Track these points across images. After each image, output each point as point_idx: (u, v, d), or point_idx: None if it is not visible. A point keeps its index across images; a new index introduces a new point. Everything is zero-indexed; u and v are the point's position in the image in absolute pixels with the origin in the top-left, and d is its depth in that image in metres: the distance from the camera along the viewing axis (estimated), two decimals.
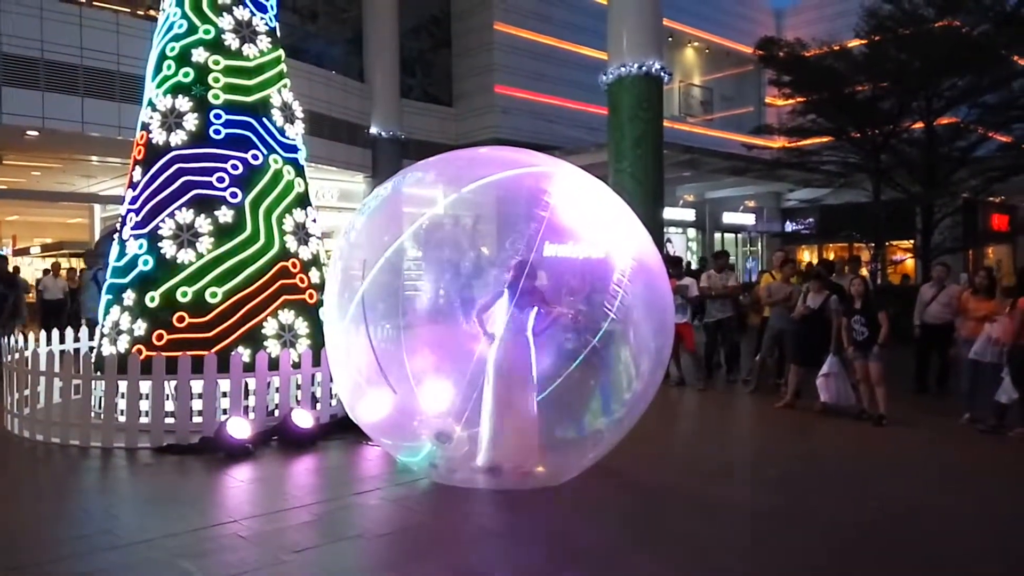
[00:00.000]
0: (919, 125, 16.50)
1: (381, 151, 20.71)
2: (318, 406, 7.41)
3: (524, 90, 22.88)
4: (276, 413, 7.18)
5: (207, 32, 7.66)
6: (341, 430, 7.08)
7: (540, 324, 5.61)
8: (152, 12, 15.30)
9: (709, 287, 10.58)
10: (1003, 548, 4.65)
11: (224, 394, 6.97)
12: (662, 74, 13.43)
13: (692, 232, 26.18)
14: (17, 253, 26.68)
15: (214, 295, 7.24)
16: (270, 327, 7.41)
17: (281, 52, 8.26)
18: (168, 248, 7.30)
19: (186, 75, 7.59)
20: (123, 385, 6.85)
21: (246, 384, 7.06)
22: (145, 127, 7.78)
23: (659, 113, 13.67)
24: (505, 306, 5.53)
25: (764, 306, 10.33)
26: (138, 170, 7.74)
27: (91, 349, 8.08)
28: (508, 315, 5.51)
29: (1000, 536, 4.84)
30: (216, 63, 7.63)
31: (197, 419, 6.86)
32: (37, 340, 7.88)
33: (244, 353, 7.07)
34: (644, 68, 13.12)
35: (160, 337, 7.16)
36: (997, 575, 4.30)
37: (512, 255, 5.50)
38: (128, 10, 16.05)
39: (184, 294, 7.22)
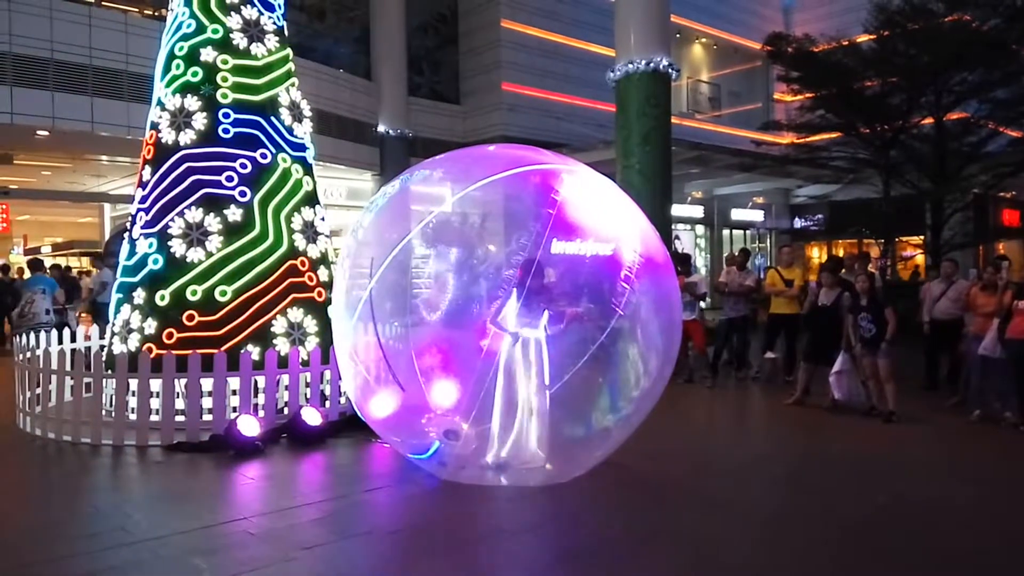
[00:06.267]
0: (928, 120, 16.40)
1: (389, 149, 20.72)
2: (327, 404, 7.44)
3: (531, 87, 22.84)
4: (285, 411, 7.22)
5: (215, 31, 7.69)
6: (350, 428, 7.11)
7: (552, 323, 5.62)
8: (161, 11, 15.36)
9: (726, 283, 10.58)
10: (1014, 544, 4.63)
11: (234, 392, 7.01)
12: (670, 70, 13.38)
13: (700, 229, 26.08)
14: (28, 252, 26.85)
15: (223, 293, 7.28)
16: (279, 325, 7.44)
17: (289, 51, 8.28)
18: (178, 247, 7.34)
19: (195, 74, 7.62)
20: (134, 383, 6.89)
21: (255, 382, 7.09)
22: (154, 126, 7.82)
23: (667, 110, 13.61)
24: (515, 306, 5.54)
25: (769, 301, 10.37)
26: (147, 169, 7.78)
27: (102, 348, 8.13)
28: (517, 314, 5.52)
29: (1010, 532, 4.82)
30: (224, 62, 7.66)
31: (207, 417, 6.90)
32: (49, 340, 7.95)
33: (253, 351, 7.11)
34: (652, 64, 13.06)
35: (170, 335, 7.20)
36: (1007, 569, 4.29)
37: (519, 253, 5.50)
38: (137, 10, 16.14)
39: (194, 292, 7.25)
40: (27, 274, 12.78)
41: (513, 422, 5.59)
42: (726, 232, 26.47)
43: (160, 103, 7.83)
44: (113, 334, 7.72)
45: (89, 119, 14.35)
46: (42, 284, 11.33)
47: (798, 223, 26.75)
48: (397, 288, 5.84)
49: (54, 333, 8.17)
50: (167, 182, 7.53)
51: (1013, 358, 7.50)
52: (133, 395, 6.91)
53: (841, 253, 21.65)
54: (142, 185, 7.81)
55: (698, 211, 25.18)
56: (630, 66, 13.09)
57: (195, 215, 7.37)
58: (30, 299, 11.11)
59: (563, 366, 5.70)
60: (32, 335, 7.80)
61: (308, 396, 7.38)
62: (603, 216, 5.63)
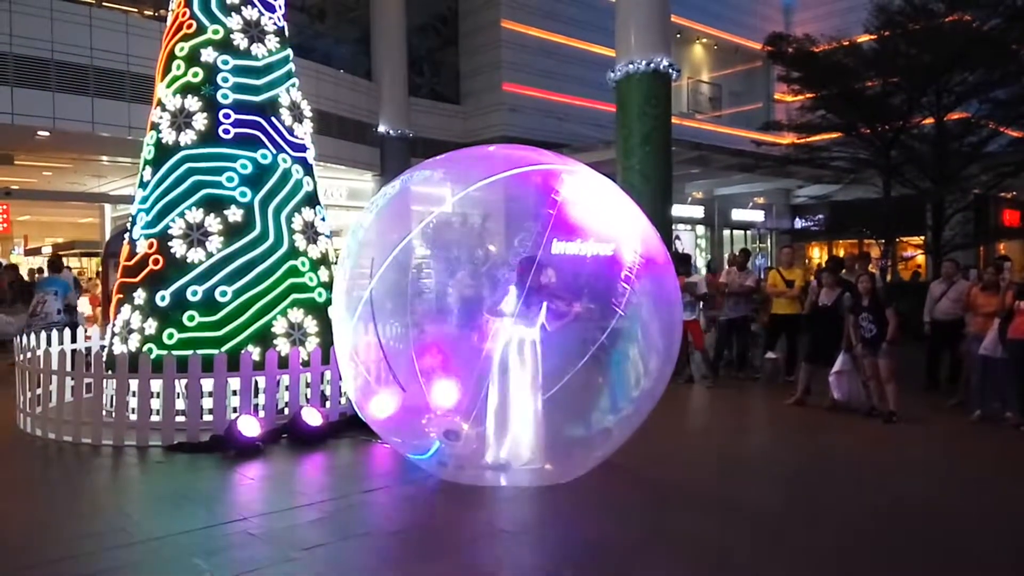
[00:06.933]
0: (929, 121, 16.40)
1: (389, 149, 20.73)
2: (327, 404, 7.44)
3: (532, 88, 22.86)
4: (286, 411, 7.22)
5: (216, 32, 7.70)
6: (350, 428, 7.11)
7: (550, 321, 5.62)
8: (162, 12, 15.38)
9: (727, 284, 10.58)
10: (1014, 544, 4.62)
11: (234, 392, 7.01)
12: (670, 71, 13.36)
13: (701, 229, 26.11)
14: (28, 253, 26.87)
15: (224, 294, 7.28)
16: (279, 325, 7.44)
17: (289, 51, 8.29)
18: (178, 247, 7.34)
19: (195, 75, 7.62)
20: (134, 383, 6.89)
21: (256, 382, 7.10)
22: (155, 127, 7.82)
23: (667, 110, 13.60)
24: (513, 303, 5.54)
25: (771, 301, 10.37)
26: (148, 170, 7.78)
27: (102, 348, 8.13)
28: (514, 312, 5.52)
29: (1011, 532, 4.81)
30: (225, 63, 7.66)
31: (208, 417, 6.91)
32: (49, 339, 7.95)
33: (254, 352, 7.11)
34: (652, 65, 13.05)
35: (170, 336, 7.21)
36: (1007, 570, 4.28)
37: (519, 252, 5.50)
38: (137, 10, 16.16)
39: (194, 293, 7.26)
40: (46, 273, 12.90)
41: (508, 422, 5.59)
42: (727, 232, 26.49)
43: (161, 103, 7.83)
44: (113, 334, 7.72)
45: (90, 119, 14.36)
46: (55, 286, 11.55)
47: (799, 223, 26.78)
48: (397, 288, 5.84)
49: (55, 333, 8.17)
50: (168, 182, 7.54)
51: (1014, 358, 7.50)
52: (133, 395, 6.92)
53: (842, 253, 21.67)
54: (143, 185, 7.82)
55: (699, 211, 25.21)
56: (630, 66, 13.07)
57: (195, 215, 7.37)
58: (42, 299, 11.29)
59: (563, 367, 5.70)
60: (35, 335, 7.80)
61: (308, 396, 7.39)
62: (603, 216, 5.63)
